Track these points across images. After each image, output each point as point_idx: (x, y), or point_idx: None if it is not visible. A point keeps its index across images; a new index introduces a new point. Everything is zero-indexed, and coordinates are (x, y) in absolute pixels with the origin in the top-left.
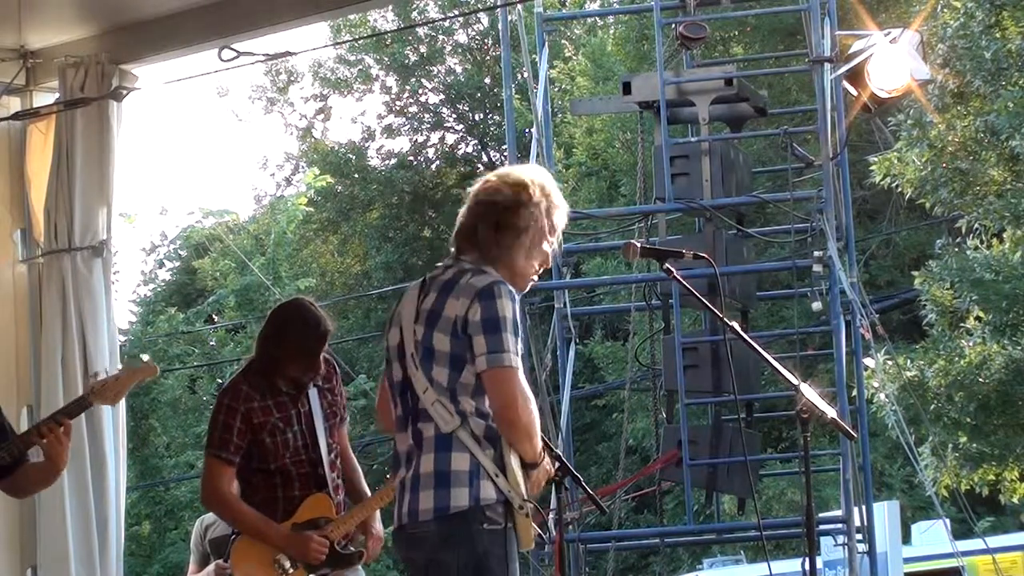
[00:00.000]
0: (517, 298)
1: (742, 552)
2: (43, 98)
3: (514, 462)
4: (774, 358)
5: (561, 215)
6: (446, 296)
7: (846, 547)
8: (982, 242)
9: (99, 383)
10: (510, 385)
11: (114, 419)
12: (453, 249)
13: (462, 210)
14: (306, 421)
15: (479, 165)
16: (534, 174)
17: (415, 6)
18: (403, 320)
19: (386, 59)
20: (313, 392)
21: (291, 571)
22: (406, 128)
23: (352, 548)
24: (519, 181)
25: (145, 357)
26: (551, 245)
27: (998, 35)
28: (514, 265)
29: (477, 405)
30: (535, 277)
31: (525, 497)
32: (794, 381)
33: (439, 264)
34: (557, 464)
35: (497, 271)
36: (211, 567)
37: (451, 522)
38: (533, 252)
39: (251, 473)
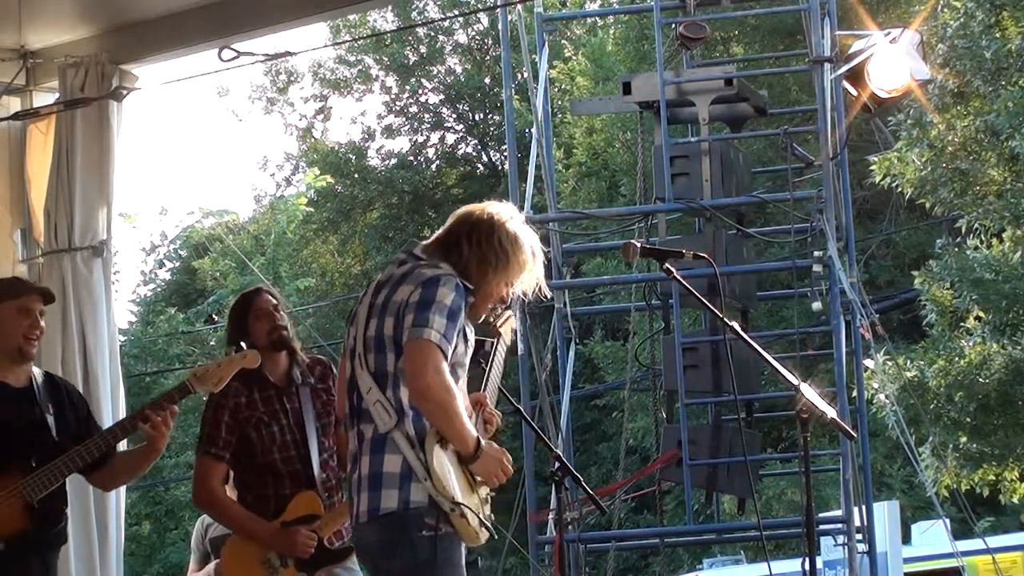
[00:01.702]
0: (465, 296)
1: (742, 552)
2: (43, 98)
3: (444, 462)
4: (774, 358)
5: (531, 277)
6: (399, 284)
7: (846, 547)
8: (982, 242)
9: (201, 368)
10: (422, 355)
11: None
12: (417, 251)
13: (446, 225)
14: (295, 418)
15: (479, 165)
16: (529, 234)
17: (415, 6)
18: (358, 318)
19: (386, 59)
20: (306, 391)
21: (281, 569)
22: (406, 128)
23: (344, 543)
24: (515, 226)
25: (244, 345)
26: (512, 290)
27: (998, 35)
28: (484, 286)
29: (411, 397)
30: (504, 301)
31: (456, 500)
32: (794, 381)
33: (393, 261)
34: (557, 464)
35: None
36: (211, 566)
37: (387, 527)
38: (502, 285)
39: (243, 471)
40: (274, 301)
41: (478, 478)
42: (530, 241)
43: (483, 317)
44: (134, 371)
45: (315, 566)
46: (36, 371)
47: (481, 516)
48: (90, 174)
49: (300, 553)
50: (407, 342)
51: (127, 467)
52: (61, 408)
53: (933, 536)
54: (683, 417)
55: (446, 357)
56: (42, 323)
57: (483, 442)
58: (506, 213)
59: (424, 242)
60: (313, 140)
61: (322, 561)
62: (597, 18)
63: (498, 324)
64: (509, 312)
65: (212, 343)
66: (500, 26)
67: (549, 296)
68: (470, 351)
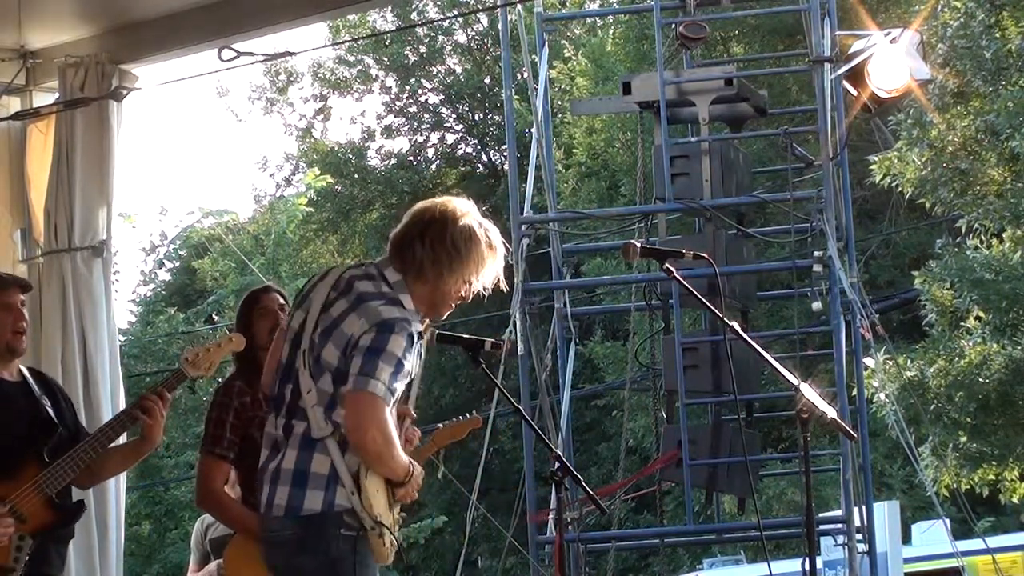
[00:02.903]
0: (416, 337)
1: (742, 552)
2: (43, 98)
3: (374, 480)
4: (774, 358)
5: (490, 273)
6: (352, 311)
7: (846, 547)
8: (982, 242)
9: (191, 353)
10: (364, 409)
11: None
12: (386, 271)
13: (402, 222)
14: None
15: (479, 165)
16: (486, 229)
17: (414, 6)
18: (310, 308)
19: (386, 59)
20: None
21: None
22: (406, 128)
23: None
24: (468, 222)
25: (228, 330)
26: (471, 289)
27: (998, 35)
28: (441, 286)
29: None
30: (465, 299)
31: (377, 520)
32: (794, 381)
33: (363, 263)
34: (557, 464)
35: (419, 289)
36: (212, 566)
37: (306, 526)
38: (460, 284)
39: (246, 472)
40: (281, 300)
41: (396, 496)
42: (486, 236)
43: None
44: (134, 371)
45: None
46: (21, 366)
47: (394, 535)
48: (90, 174)
49: None
50: (351, 391)
51: (118, 462)
52: (56, 400)
53: (933, 536)
54: (683, 417)
55: (388, 406)
56: (26, 314)
57: (413, 466)
58: (460, 209)
59: (393, 246)
60: (313, 140)
61: None
62: (597, 18)
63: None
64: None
65: None
66: (500, 26)
67: (506, 289)
68: (418, 368)
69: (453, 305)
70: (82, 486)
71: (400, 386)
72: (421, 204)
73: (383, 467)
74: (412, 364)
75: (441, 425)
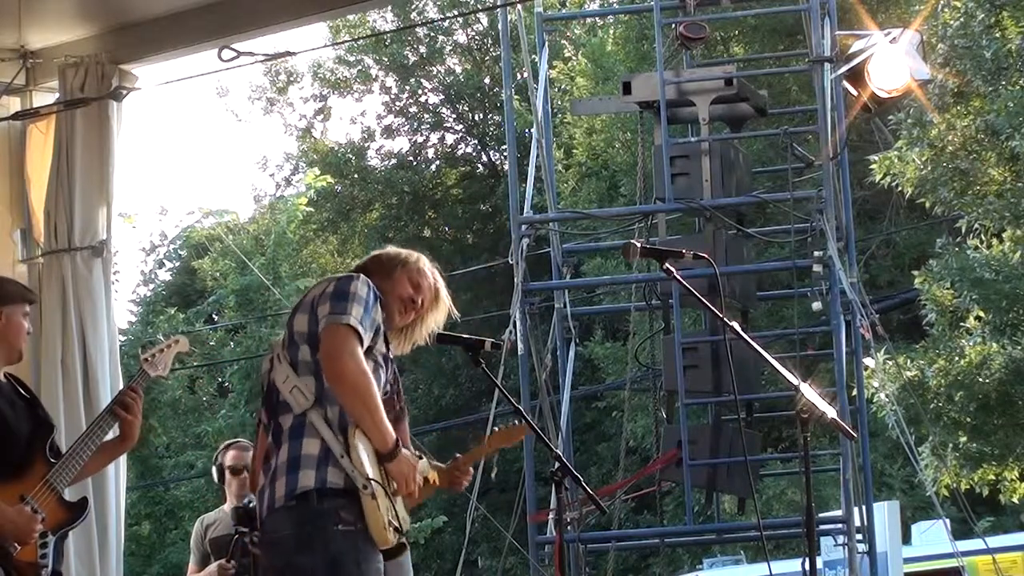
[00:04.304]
0: (376, 294)
1: (742, 552)
2: (43, 98)
3: (363, 449)
4: (774, 358)
5: (438, 316)
6: (312, 291)
7: (846, 547)
8: (982, 242)
9: (149, 354)
10: (339, 338)
11: None
12: None
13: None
14: None
15: (479, 165)
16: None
17: (414, 6)
18: (279, 341)
19: (386, 59)
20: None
21: None
22: (406, 128)
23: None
24: (417, 257)
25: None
26: (416, 312)
27: (998, 35)
28: (390, 284)
29: (328, 380)
30: (414, 301)
31: (368, 477)
32: (794, 381)
33: None
34: (557, 464)
35: (374, 280)
36: (213, 567)
37: (305, 521)
38: (404, 280)
39: None
40: None
41: (394, 485)
42: (437, 279)
43: (397, 322)
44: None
45: (386, 556)
46: None
47: (391, 517)
48: (90, 174)
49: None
50: (324, 328)
51: (98, 462)
52: (36, 400)
53: (933, 536)
54: (683, 417)
55: (362, 343)
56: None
57: (401, 446)
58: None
59: None
60: (313, 140)
61: (394, 552)
62: (597, 18)
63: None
64: None
65: (212, 343)
66: (500, 26)
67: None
68: (392, 360)
69: (399, 311)
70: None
71: (370, 334)
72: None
73: (364, 407)
74: (380, 318)
75: (496, 429)
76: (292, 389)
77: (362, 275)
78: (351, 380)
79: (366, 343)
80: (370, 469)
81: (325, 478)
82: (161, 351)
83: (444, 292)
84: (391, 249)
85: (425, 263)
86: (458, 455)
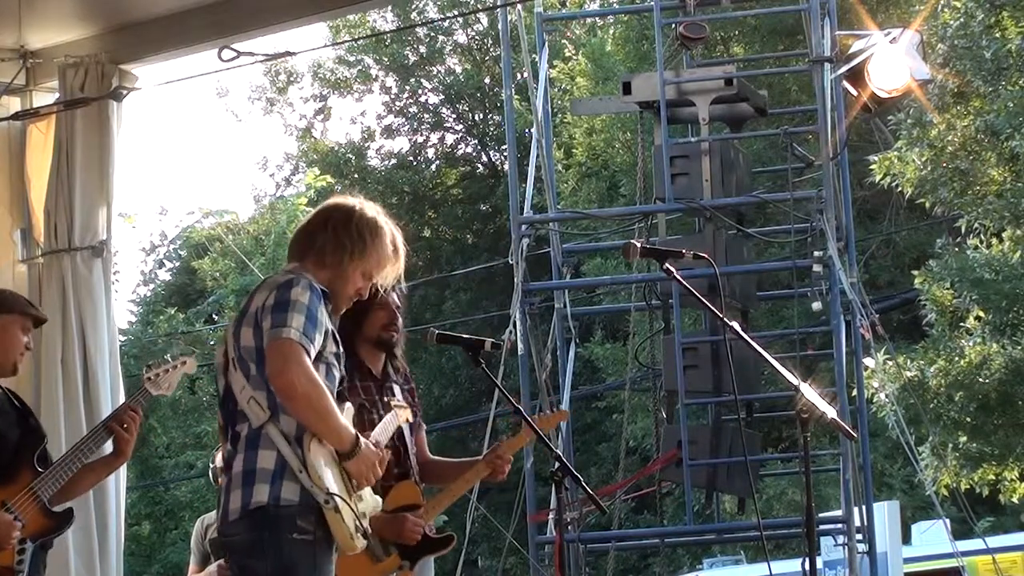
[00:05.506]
0: (320, 294)
1: (742, 552)
2: (43, 98)
3: (321, 460)
4: (774, 358)
5: (392, 272)
6: (255, 295)
7: (846, 547)
8: (982, 242)
9: (154, 372)
10: (282, 353)
11: None
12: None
13: (308, 216)
14: (388, 411)
15: (479, 165)
16: (391, 227)
17: (414, 6)
18: (227, 336)
19: (386, 59)
20: (397, 390)
21: (384, 558)
22: (406, 128)
23: (445, 532)
24: (375, 215)
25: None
26: (367, 286)
27: (998, 35)
28: (341, 274)
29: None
30: (361, 294)
31: (328, 492)
32: (794, 381)
33: None
34: (557, 464)
35: (319, 275)
36: (213, 567)
37: (260, 527)
38: (357, 273)
39: None
40: (398, 303)
41: (355, 483)
42: (391, 234)
43: (343, 310)
44: (134, 371)
45: (417, 555)
46: None
47: (359, 522)
48: (90, 174)
49: (407, 539)
50: (267, 345)
51: (90, 479)
52: (30, 411)
53: (933, 536)
54: (683, 417)
55: (309, 354)
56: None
57: (362, 440)
58: (370, 206)
59: (292, 244)
60: (313, 140)
61: (424, 550)
62: (597, 18)
63: (392, 404)
64: (401, 401)
65: (212, 343)
66: (500, 26)
67: (406, 290)
68: (343, 355)
69: (349, 301)
70: (59, 503)
71: (319, 338)
72: (332, 199)
73: (316, 417)
74: (326, 319)
75: (537, 416)
76: (249, 400)
77: (304, 277)
78: (301, 393)
79: (315, 351)
80: (331, 482)
81: (279, 495)
82: (167, 371)
83: (401, 251)
84: (338, 233)
85: (387, 243)
86: (500, 441)
